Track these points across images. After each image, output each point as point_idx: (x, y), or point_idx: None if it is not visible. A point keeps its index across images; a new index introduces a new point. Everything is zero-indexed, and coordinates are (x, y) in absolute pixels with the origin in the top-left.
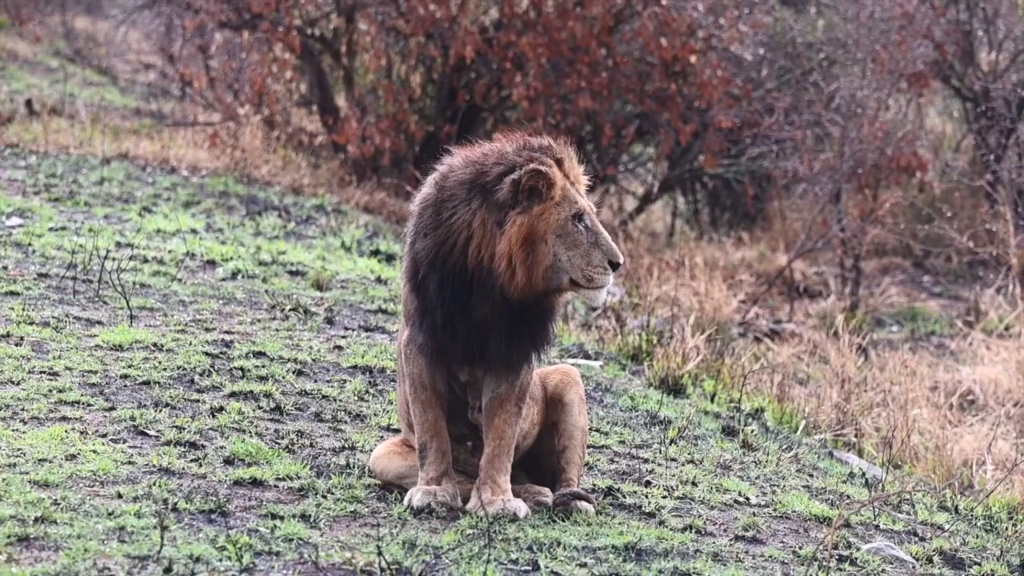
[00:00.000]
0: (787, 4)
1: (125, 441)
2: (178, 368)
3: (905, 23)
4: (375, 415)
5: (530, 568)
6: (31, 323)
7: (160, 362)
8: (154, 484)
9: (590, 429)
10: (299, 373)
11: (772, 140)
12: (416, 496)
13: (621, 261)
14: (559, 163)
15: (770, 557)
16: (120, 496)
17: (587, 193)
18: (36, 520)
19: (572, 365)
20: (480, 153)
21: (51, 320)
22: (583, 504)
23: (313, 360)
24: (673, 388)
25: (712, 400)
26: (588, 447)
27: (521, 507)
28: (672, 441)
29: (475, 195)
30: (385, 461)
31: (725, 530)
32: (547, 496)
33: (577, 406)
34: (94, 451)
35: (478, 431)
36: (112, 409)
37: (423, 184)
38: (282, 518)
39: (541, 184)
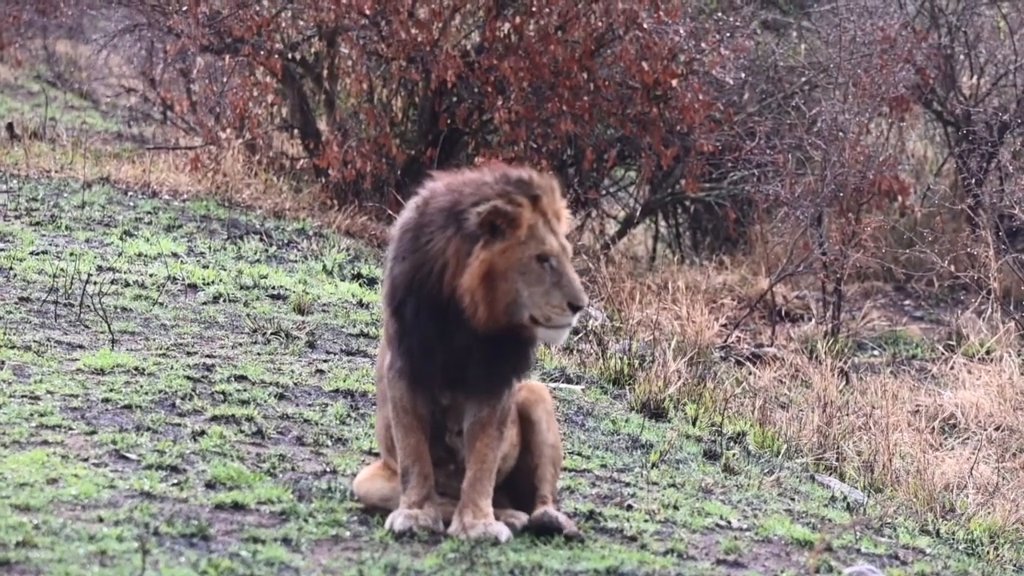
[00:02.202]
0: (769, 28)
1: (107, 465)
2: (159, 392)
3: (887, 47)
4: (357, 439)
5: None
6: (12, 347)
7: (141, 386)
8: (135, 508)
9: (572, 453)
10: (281, 397)
11: (753, 164)
12: (398, 520)
13: (583, 304)
14: (535, 200)
15: None
16: (101, 520)
17: (569, 226)
18: (17, 544)
19: (553, 388)
20: (460, 181)
21: (32, 344)
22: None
23: (295, 384)
24: (655, 412)
25: (694, 424)
26: (570, 470)
27: (503, 531)
28: (654, 465)
29: (451, 223)
30: (368, 484)
31: (707, 554)
32: (519, 519)
33: (545, 423)
34: (75, 475)
35: (456, 455)
36: (93, 433)
37: (404, 208)
38: (264, 542)
39: (501, 222)
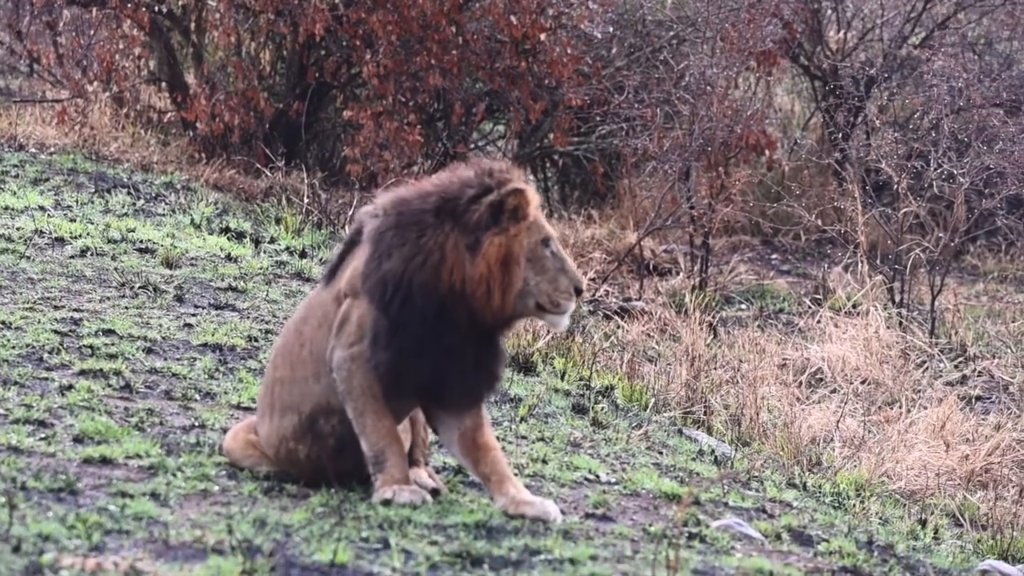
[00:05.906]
0: None
1: None
2: (27, 346)
3: (754, 2)
4: (225, 393)
5: (381, 546)
6: None
7: (8, 340)
8: (2, 463)
9: None
10: (149, 351)
11: (622, 118)
12: (403, 494)
13: (584, 288)
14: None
15: (620, 534)
16: None
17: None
18: None
19: None
20: (437, 183)
21: None
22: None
23: (163, 338)
24: (523, 366)
25: (562, 378)
26: None
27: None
28: (522, 419)
29: (445, 219)
30: (240, 452)
31: (575, 508)
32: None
33: None
34: None
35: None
36: None
37: (362, 222)
38: (132, 496)
39: (522, 203)
